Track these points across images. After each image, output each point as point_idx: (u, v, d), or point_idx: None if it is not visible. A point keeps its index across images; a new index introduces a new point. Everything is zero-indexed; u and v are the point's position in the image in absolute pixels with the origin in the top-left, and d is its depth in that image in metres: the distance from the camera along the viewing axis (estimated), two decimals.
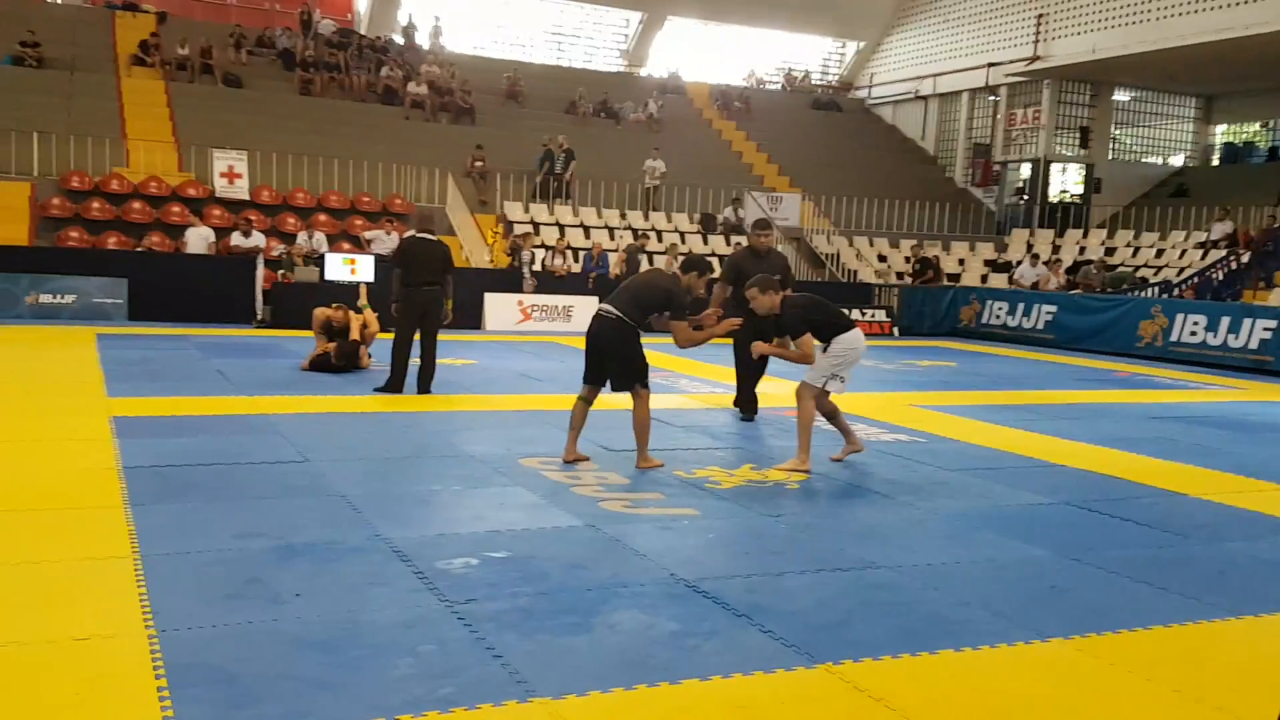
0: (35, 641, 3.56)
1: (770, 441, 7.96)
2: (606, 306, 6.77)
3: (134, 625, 3.73)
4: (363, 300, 11.48)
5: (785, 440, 8.01)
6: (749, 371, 9.01)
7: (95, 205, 18.25)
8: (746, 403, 9.14)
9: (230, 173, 19.42)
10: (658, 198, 23.61)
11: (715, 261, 20.83)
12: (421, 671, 3.46)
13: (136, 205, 18.55)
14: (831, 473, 6.91)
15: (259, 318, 15.52)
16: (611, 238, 21.28)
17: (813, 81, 33.83)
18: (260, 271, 16.03)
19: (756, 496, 6.14)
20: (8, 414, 7.67)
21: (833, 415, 7.28)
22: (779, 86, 33.56)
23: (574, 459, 6.84)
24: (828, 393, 7.05)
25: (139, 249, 16.95)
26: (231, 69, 23.72)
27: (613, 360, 6.74)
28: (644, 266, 18.28)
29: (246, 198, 19.43)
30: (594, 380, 6.87)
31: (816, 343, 6.98)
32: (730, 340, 8.61)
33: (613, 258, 18.54)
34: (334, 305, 11.16)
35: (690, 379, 11.42)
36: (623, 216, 22.63)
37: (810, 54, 34.51)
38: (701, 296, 7.41)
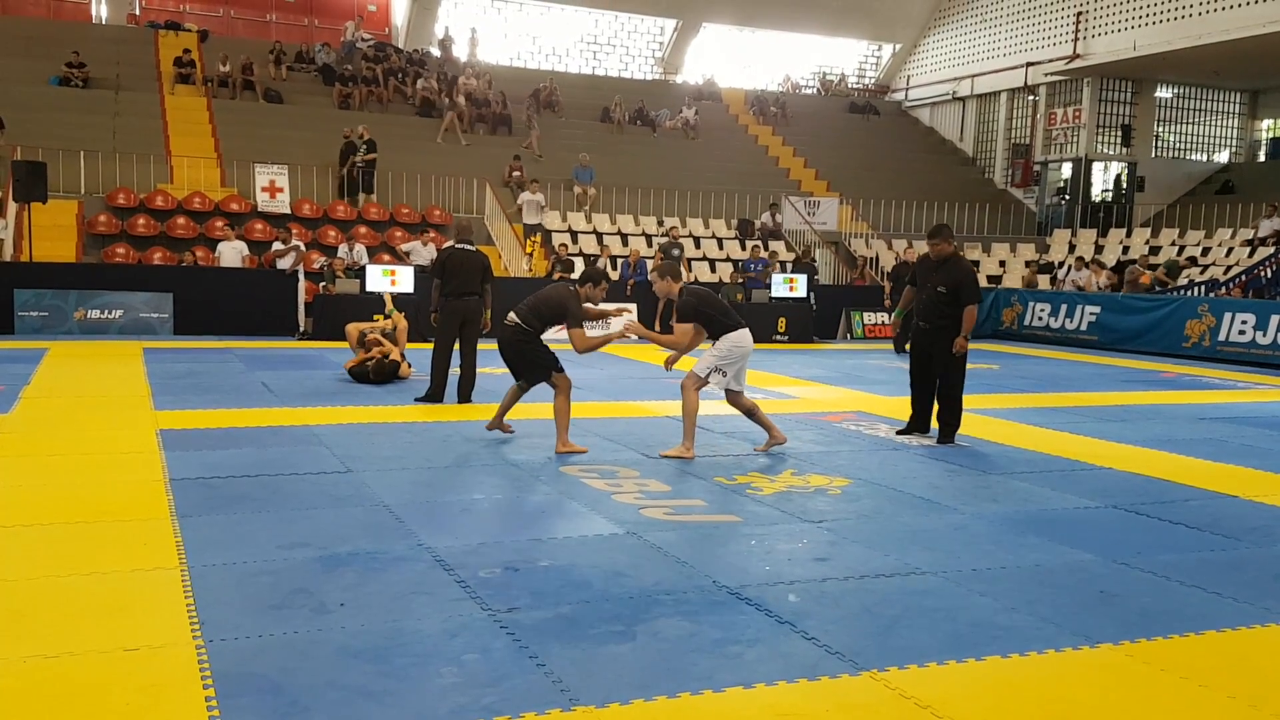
0: (87, 652, 3.61)
1: (812, 447, 7.92)
2: (511, 315, 7.50)
3: (183, 635, 3.77)
4: (389, 307, 11.69)
5: (827, 445, 7.97)
6: (922, 384, 8.48)
7: (141, 222, 18.56)
8: (922, 420, 8.50)
9: (272, 187, 19.68)
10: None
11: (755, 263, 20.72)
12: (466, 680, 3.47)
13: (181, 221, 18.85)
14: (874, 478, 6.86)
15: (301, 330, 15.70)
16: (649, 244, 21.29)
17: (849, 85, 33.69)
18: (302, 284, 16.22)
19: (798, 502, 6.10)
20: (59, 428, 7.81)
21: (751, 412, 7.62)
22: (815, 91, 33.46)
23: (494, 428, 7.84)
24: (707, 382, 7.41)
25: (183, 264, 17.22)
26: (272, 85, 24.04)
27: (515, 361, 7.51)
28: (684, 275, 18.29)
29: (288, 211, 19.67)
30: (517, 377, 7.65)
31: (705, 344, 7.54)
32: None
33: (651, 264, 18.54)
34: (372, 326, 11.35)
35: None
36: (659, 224, 22.64)
37: (846, 57, 34.37)
38: (600, 303, 7.94)
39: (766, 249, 21.10)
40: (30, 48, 23.08)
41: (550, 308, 7.43)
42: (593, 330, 7.68)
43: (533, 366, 7.49)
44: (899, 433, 8.54)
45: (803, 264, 19.69)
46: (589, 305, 7.70)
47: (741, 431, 8.37)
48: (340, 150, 20.87)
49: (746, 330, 7.49)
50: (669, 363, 7.84)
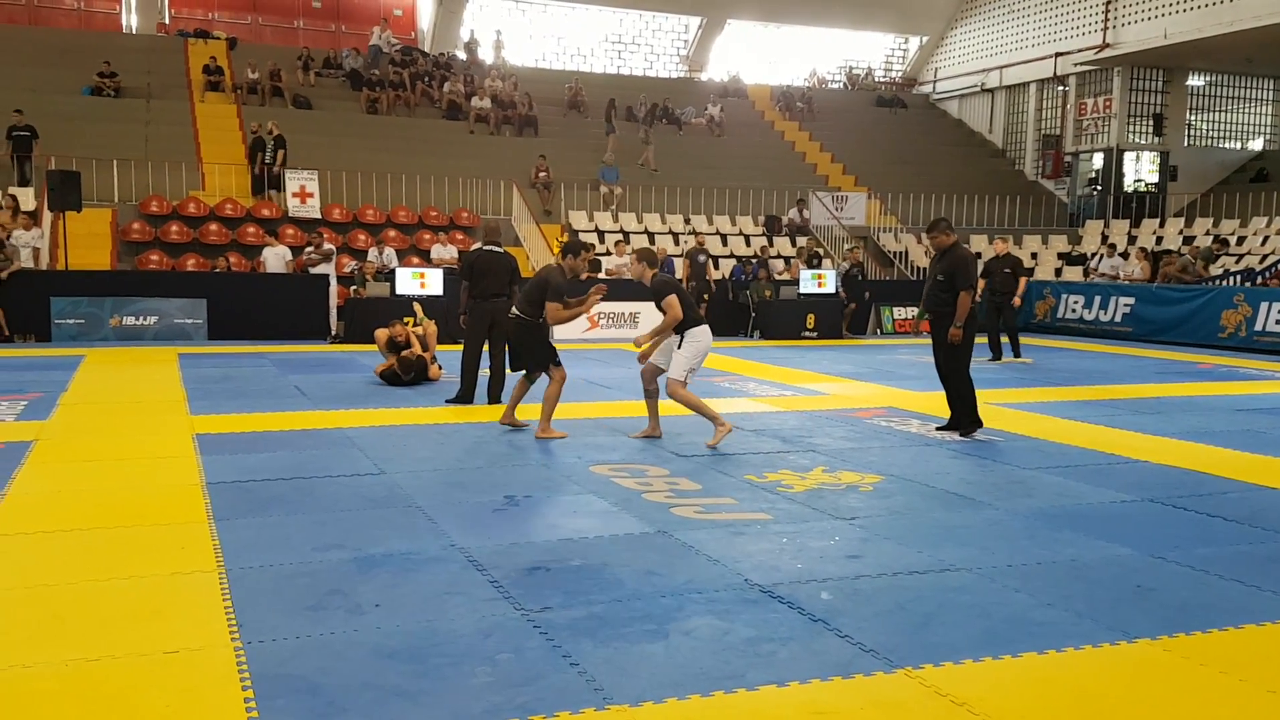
0: (128, 655, 3.66)
1: (843, 444, 7.89)
2: (512, 309, 8.10)
3: (221, 637, 3.82)
4: (420, 315, 11.82)
5: (858, 442, 7.94)
6: (944, 380, 8.36)
7: (174, 228, 18.76)
8: (956, 417, 8.34)
9: (302, 192, 19.83)
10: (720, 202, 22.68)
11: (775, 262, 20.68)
12: (500, 680, 3.49)
13: (213, 227, 19.04)
14: (906, 474, 6.82)
15: (333, 333, 15.83)
16: (676, 243, 21.29)
17: (875, 79, 33.51)
18: (334, 288, 16.35)
19: (829, 499, 6.09)
20: (97, 433, 7.91)
21: (651, 395, 7.94)
22: (841, 85, 33.31)
23: (509, 422, 8.25)
24: (687, 381, 7.68)
25: (216, 270, 17.40)
26: (300, 91, 24.23)
27: (518, 349, 8.04)
28: (710, 268, 18.27)
29: (318, 216, 19.82)
30: (517, 368, 8.16)
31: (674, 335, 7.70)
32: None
33: (678, 263, 18.54)
34: (392, 323, 11.40)
35: (758, 382, 11.37)
36: (686, 221, 22.63)
37: (872, 51, 34.20)
38: (586, 276, 8.31)
39: (795, 245, 21.02)
40: (62, 59, 23.38)
41: (537, 289, 7.93)
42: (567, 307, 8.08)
43: (533, 355, 8.02)
44: (938, 429, 8.48)
45: (813, 256, 19.39)
46: (569, 300, 8.06)
47: (771, 429, 8.36)
48: (249, 147, 20.57)
49: (707, 327, 7.80)
50: (639, 342, 7.93)
